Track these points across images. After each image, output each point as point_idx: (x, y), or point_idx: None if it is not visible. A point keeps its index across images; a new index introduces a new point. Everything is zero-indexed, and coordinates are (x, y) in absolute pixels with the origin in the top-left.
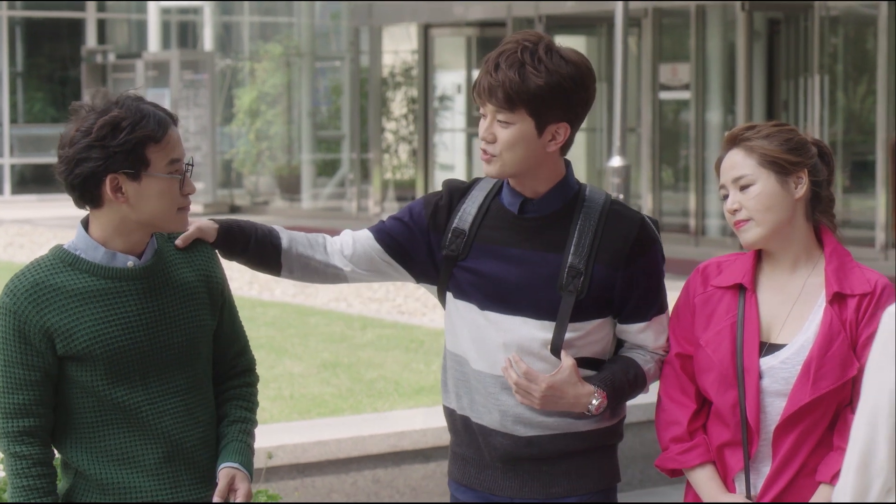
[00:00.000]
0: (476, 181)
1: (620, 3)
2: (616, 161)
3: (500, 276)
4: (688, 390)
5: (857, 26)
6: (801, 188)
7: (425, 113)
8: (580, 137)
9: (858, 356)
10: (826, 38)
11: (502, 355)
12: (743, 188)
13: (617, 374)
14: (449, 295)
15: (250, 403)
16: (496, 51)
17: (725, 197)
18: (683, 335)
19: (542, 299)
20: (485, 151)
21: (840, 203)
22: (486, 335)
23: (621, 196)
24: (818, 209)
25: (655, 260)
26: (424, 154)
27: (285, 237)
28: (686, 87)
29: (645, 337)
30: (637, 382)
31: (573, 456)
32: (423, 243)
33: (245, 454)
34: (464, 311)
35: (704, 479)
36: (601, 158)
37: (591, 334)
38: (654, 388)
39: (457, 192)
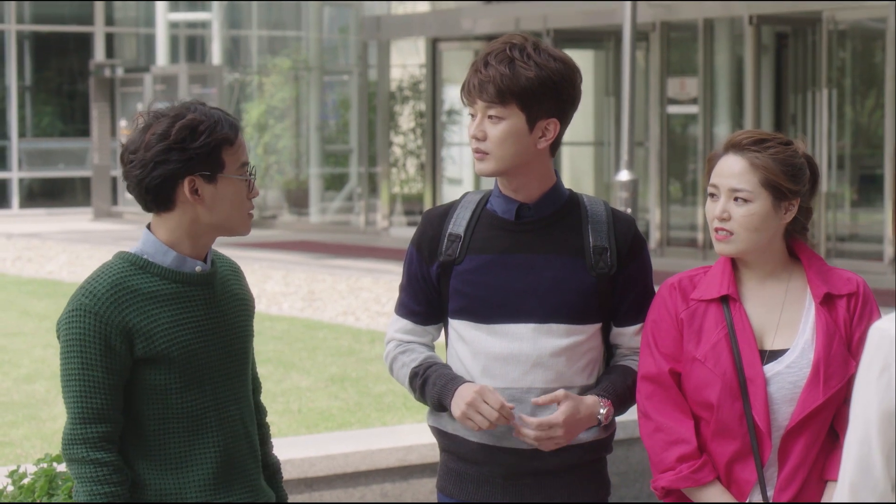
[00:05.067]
0: (457, 201)
1: (628, 17)
2: (624, 175)
3: (502, 285)
4: (683, 407)
5: (865, 40)
6: (790, 214)
7: (433, 127)
8: (588, 152)
9: (854, 354)
10: (834, 52)
11: (509, 367)
12: (737, 201)
13: (615, 382)
14: (449, 320)
15: (271, 447)
16: (483, 52)
17: (713, 196)
18: (670, 353)
19: (549, 303)
20: (477, 150)
21: (848, 217)
22: (491, 349)
23: (629, 210)
24: (795, 227)
25: (648, 260)
26: (432, 168)
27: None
28: (694, 101)
29: (640, 340)
30: (627, 383)
31: (573, 469)
32: (433, 280)
33: None
34: (463, 331)
35: (717, 494)
36: (609, 172)
37: (590, 340)
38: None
39: (436, 217)
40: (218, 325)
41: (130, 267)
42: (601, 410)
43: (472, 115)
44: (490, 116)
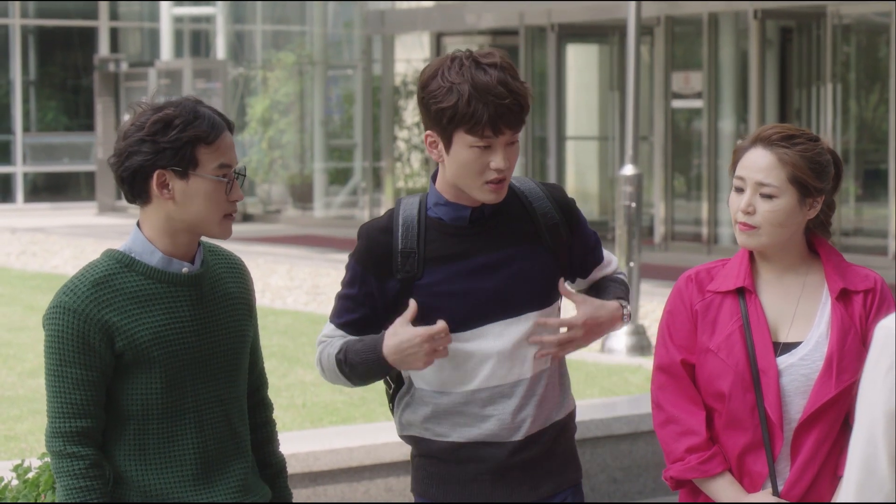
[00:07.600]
0: (394, 211)
1: (633, 11)
2: (628, 170)
3: (470, 290)
4: (695, 398)
5: (870, 34)
6: (814, 211)
7: None
8: (593, 146)
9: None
10: (838, 47)
11: (496, 367)
12: (763, 196)
13: (616, 291)
14: None
15: (277, 444)
16: (487, 78)
17: (739, 189)
18: (683, 344)
19: (519, 296)
20: (503, 180)
21: (852, 212)
22: (474, 354)
23: (633, 205)
24: (816, 223)
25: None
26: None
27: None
28: (698, 95)
29: (607, 269)
30: (627, 290)
31: (554, 453)
32: (379, 297)
33: None
34: None
35: (726, 486)
36: (613, 167)
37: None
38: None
39: (380, 233)
40: (204, 325)
41: (116, 265)
42: (625, 309)
43: (488, 146)
44: (510, 143)
